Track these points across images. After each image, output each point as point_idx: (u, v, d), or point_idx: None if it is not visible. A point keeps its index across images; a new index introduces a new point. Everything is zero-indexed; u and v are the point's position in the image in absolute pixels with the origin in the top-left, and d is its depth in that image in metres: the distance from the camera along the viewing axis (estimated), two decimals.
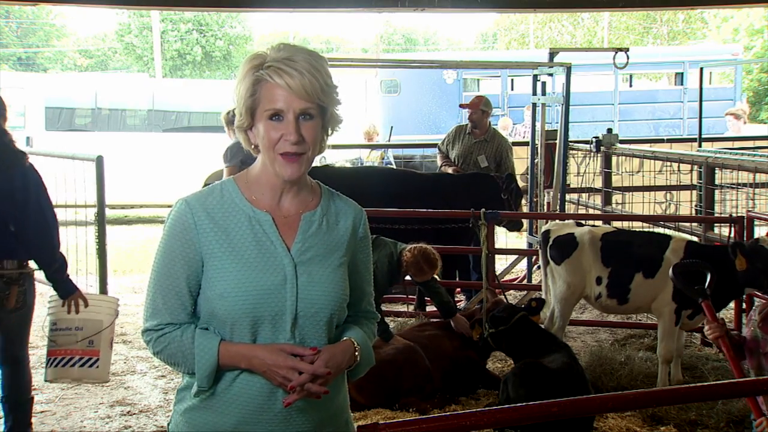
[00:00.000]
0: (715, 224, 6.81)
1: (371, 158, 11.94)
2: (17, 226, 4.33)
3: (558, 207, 8.10)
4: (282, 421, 2.16)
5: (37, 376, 6.03)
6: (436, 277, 7.82)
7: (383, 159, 12.05)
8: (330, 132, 2.26)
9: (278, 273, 2.16)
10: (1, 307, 4.33)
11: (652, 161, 8.72)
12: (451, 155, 8.21)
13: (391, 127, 13.35)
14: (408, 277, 5.96)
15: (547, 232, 5.97)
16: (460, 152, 8.06)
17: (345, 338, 2.23)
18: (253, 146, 2.24)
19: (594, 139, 8.63)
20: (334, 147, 12.19)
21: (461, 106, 8.33)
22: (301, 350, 2.12)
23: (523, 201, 8.89)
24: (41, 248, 4.39)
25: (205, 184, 5.80)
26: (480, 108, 7.97)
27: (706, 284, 3.79)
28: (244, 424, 2.15)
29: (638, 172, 9.05)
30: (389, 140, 13.09)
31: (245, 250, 2.16)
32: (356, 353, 2.22)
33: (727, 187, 7.40)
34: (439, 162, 8.47)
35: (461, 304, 7.64)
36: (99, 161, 7.76)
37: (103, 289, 7.84)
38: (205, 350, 2.13)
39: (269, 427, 2.15)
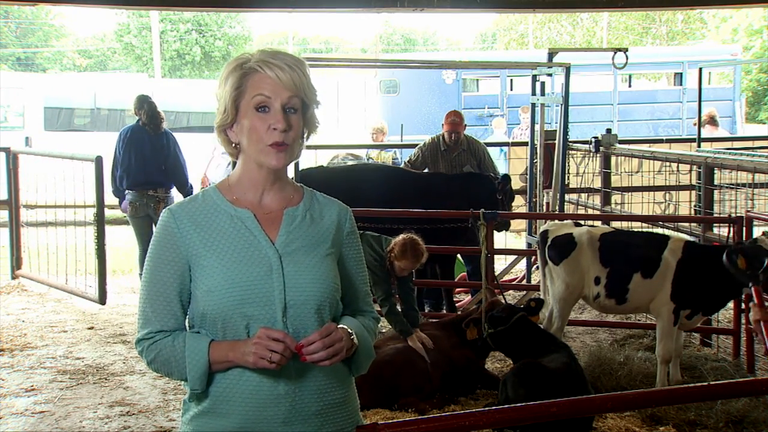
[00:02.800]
0: (714, 224, 6.81)
1: (380, 158, 11.87)
2: (166, 166, 7.80)
3: (557, 207, 8.10)
4: (286, 414, 2.14)
5: (35, 377, 6.06)
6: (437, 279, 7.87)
7: (394, 159, 12.02)
8: (307, 135, 2.29)
9: (263, 264, 2.17)
10: (155, 216, 7.43)
11: (651, 161, 8.70)
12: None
13: (401, 125, 13.27)
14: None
15: (545, 233, 5.97)
16: (447, 169, 7.91)
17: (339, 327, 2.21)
18: (233, 145, 2.26)
19: (593, 139, 8.61)
20: (336, 147, 12.21)
21: (445, 130, 7.96)
22: (290, 339, 2.09)
23: (523, 201, 8.89)
24: (178, 178, 7.98)
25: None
26: (462, 125, 7.98)
27: (761, 270, 3.84)
28: (249, 422, 2.14)
29: (637, 172, 9.04)
30: (402, 139, 13.04)
31: (228, 246, 2.19)
32: (352, 337, 2.18)
33: (726, 188, 7.38)
34: None
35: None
36: (98, 161, 7.77)
37: (102, 289, 7.85)
38: (195, 350, 2.14)
39: (274, 423, 2.14)
